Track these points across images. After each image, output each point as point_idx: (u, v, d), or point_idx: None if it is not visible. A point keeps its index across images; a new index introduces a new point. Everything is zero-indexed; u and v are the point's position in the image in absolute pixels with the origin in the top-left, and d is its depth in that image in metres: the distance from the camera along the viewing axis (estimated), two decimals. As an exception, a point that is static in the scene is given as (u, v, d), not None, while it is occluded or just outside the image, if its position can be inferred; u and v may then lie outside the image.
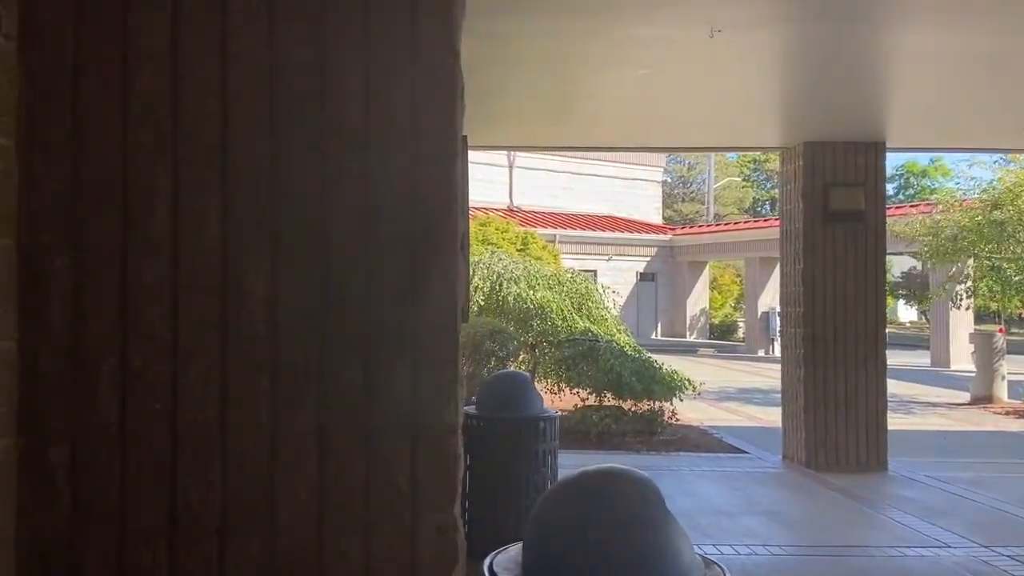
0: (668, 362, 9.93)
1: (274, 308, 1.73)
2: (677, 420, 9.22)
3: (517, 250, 14.81)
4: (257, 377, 1.73)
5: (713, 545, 4.84)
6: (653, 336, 25.78)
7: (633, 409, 8.90)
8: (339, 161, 1.75)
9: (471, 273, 8.85)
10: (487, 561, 1.96)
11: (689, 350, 23.07)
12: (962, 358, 18.03)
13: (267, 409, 1.72)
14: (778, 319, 22.35)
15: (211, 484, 1.71)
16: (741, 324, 26.90)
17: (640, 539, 1.72)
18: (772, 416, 10.41)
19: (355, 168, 1.75)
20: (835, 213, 7.16)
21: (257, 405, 1.72)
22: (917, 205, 19.89)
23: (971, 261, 13.29)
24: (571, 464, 5.03)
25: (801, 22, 4.31)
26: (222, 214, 1.73)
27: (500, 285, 10.45)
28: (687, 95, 5.95)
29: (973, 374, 13.50)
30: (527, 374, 5.41)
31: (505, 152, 23.78)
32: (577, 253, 23.55)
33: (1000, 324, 17.10)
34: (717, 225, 30.02)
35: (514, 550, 2.00)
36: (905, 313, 36.91)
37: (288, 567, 1.71)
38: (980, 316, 20.13)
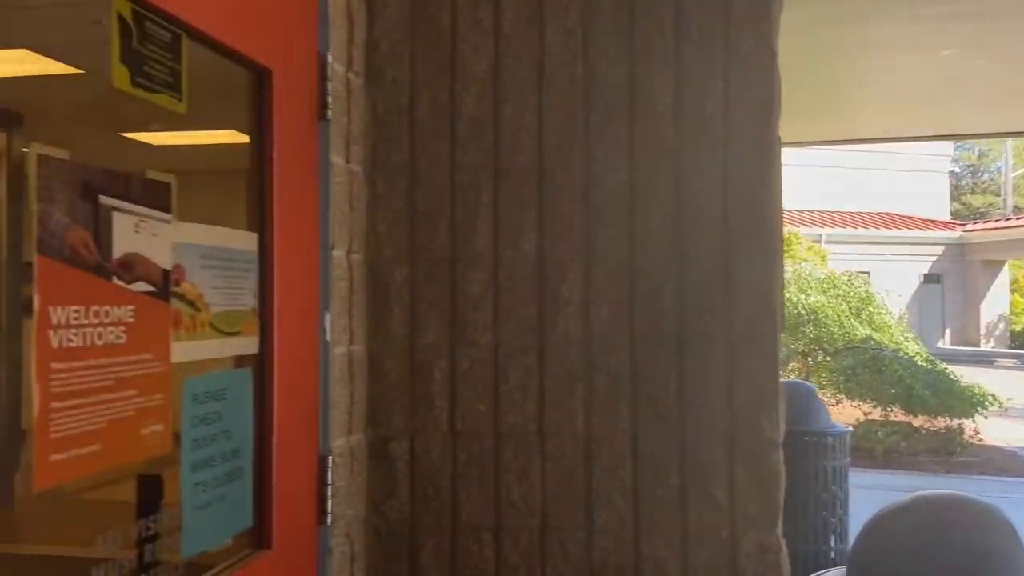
0: (961, 373, 8.88)
1: (588, 315, 1.78)
2: (980, 440, 8.22)
3: (781, 252, 14.05)
4: (572, 382, 1.78)
5: (1040, 586, 4.21)
6: (940, 344, 23.19)
7: (926, 426, 8.07)
8: (651, 169, 1.75)
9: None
10: (805, 584, 1.86)
11: (984, 360, 20.47)
12: None
13: (583, 414, 1.77)
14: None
15: (531, 483, 1.79)
16: (1051, 332, 23.40)
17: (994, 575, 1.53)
18: (1102, 440, 8.94)
19: (667, 174, 1.75)
20: None
21: (573, 409, 1.78)
22: None
23: None
24: (861, 484, 4.66)
25: None
26: (539, 226, 1.81)
27: (767, 289, 9.97)
28: (993, 74, 5.26)
29: None
30: (812, 385, 5.10)
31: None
32: (847, 253, 21.79)
33: None
34: (1018, 218, 26.32)
35: None
36: None
37: (604, 570, 1.74)
38: None
